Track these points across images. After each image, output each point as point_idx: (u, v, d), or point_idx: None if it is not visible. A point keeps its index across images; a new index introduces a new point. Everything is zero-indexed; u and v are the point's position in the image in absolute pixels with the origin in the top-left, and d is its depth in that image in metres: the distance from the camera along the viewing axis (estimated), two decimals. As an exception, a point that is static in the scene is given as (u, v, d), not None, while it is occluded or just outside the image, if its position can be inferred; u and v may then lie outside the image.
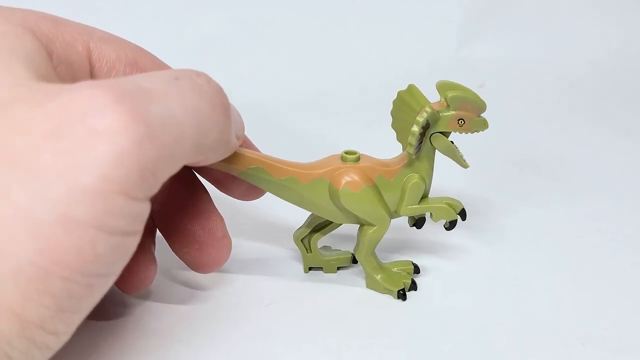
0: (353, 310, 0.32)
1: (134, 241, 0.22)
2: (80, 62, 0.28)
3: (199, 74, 0.25)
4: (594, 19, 0.68)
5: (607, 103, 0.60)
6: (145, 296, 0.32)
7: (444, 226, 0.33)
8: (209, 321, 0.31)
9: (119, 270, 0.22)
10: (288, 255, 0.36)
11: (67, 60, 0.27)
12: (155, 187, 0.22)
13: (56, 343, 0.22)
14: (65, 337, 0.22)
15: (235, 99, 0.53)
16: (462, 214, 0.33)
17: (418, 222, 0.33)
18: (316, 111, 0.56)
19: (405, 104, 0.31)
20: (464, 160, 0.32)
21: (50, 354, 0.22)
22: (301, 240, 0.34)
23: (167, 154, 0.22)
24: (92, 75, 0.28)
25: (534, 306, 0.32)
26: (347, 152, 0.32)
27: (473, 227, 0.39)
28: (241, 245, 0.37)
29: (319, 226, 0.34)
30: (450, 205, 0.33)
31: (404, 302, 0.32)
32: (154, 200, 0.31)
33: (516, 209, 0.41)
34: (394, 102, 0.32)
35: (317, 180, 0.31)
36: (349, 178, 0.31)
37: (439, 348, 0.30)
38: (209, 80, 0.25)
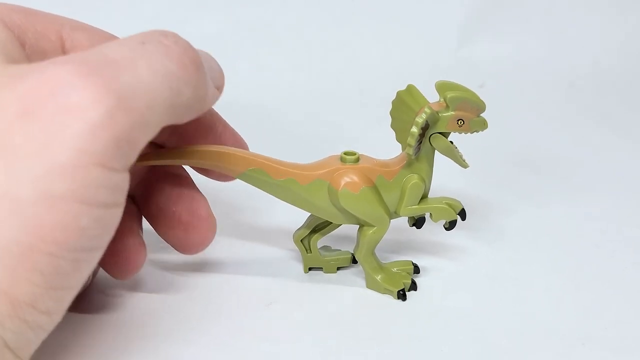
0: (353, 310, 0.32)
1: (117, 213, 0.22)
2: (53, 51, 0.27)
3: (166, 34, 0.25)
4: (594, 18, 0.68)
5: (607, 103, 0.60)
6: (145, 296, 0.32)
7: (444, 226, 0.33)
8: (209, 321, 0.31)
9: (104, 243, 0.23)
10: (288, 255, 0.36)
11: (40, 49, 0.27)
12: (132, 156, 0.23)
13: (48, 323, 0.22)
14: (57, 317, 0.22)
15: (235, 99, 0.54)
16: (462, 214, 0.33)
17: (418, 222, 0.33)
18: (316, 111, 0.56)
19: (404, 104, 0.31)
20: (464, 160, 0.32)
21: (44, 335, 0.22)
22: (301, 241, 0.34)
23: (141, 121, 0.22)
24: None
25: (534, 306, 0.32)
26: (346, 153, 0.32)
27: (473, 227, 0.39)
28: (241, 246, 0.37)
29: (318, 227, 0.34)
30: (449, 205, 0.33)
31: (404, 302, 0.32)
32: (138, 185, 0.31)
33: (516, 209, 0.41)
34: (393, 103, 0.32)
35: (316, 181, 0.31)
36: (348, 179, 0.31)
37: (439, 348, 0.30)
38: (176, 39, 0.25)
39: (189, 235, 0.31)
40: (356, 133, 0.52)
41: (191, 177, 0.32)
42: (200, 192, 0.32)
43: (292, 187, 0.31)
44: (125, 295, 0.32)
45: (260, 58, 0.63)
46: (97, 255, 0.23)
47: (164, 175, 0.32)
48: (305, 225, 0.34)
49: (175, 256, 0.36)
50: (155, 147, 0.32)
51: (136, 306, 0.32)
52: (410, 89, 0.31)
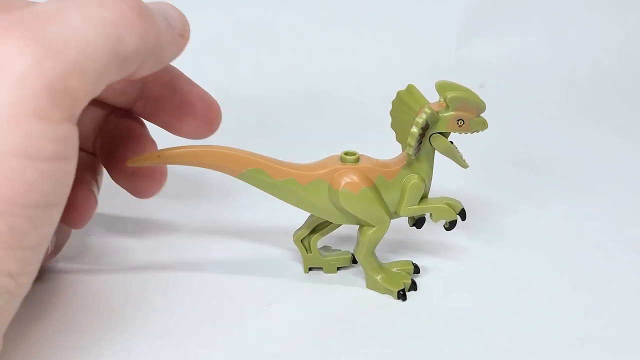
0: (353, 310, 0.32)
1: (67, 167, 0.22)
2: None
3: None
4: (595, 18, 0.68)
5: (607, 103, 0.60)
6: (145, 296, 0.32)
7: (444, 226, 0.33)
8: (209, 321, 0.31)
9: (61, 199, 0.22)
10: (288, 255, 0.36)
11: None
12: (75, 107, 0.22)
13: (15, 287, 0.22)
14: (24, 280, 0.22)
15: (235, 99, 0.54)
16: (462, 214, 0.33)
17: (418, 222, 0.33)
18: (316, 111, 0.56)
19: (404, 104, 0.31)
20: (464, 161, 0.32)
21: (15, 301, 0.22)
22: (301, 241, 0.34)
23: (75, 67, 0.22)
24: None
25: (534, 306, 0.32)
26: (346, 153, 0.32)
27: (473, 227, 0.39)
28: (241, 245, 0.37)
29: (318, 227, 0.34)
30: (449, 205, 0.33)
31: (404, 302, 0.32)
32: (97, 137, 0.32)
33: (516, 209, 0.41)
34: (393, 103, 0.32)
35: (316, 181, 0.31)
36: (348, 179, 0.31)
37: (439, 348, 0.30)
38: None
39: (140, 181, 0.31)
40: (356, 133, 0.52)
41: (146, 126, 0.33)
42: (151, 138, 0.32)
43: (292, 187, 0.31)
44: (125, 294, 0.32)
45: (260, 58, 0.63)
46: (55, 212, 0.22)
47: (118, 124, 0.32)
48: (305, 225, 0.34)
49: (175, 256, 0.36)
50: (125, 114, 0.32)
51: (136, 306, 0.32)
52: (411, 89, 0.31)
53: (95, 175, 0.32)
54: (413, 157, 0.31)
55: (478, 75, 0.62)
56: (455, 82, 0.31)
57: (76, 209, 0.30)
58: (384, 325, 0.31)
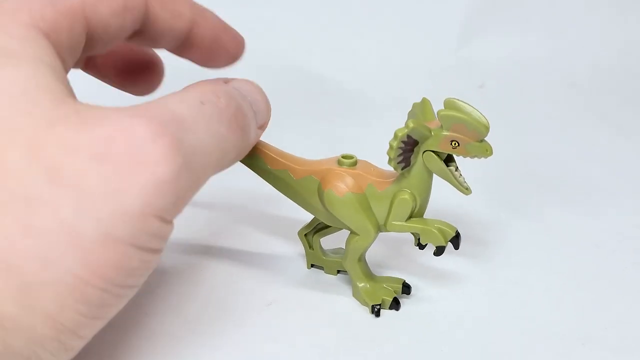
0: (353, 310, 0.32)
1: (159, 257, 0.24)
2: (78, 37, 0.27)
3: (219, 94, 0.26)
4: (595, 19, 0.68)
5: (607, 103, 0.60)
6: (144, 296, 0.32)
7: (433, 252, 0.31)
8: (209, 321, 0.31)
9: (142, 282, 0.24)
10: (288, 255, 0.36)
11: (71, 47, 0.27)
12: (181, 210, 0.24)
13: (80, 346, 0.23)
14: (87, 341, 0.24)
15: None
16: (455, 242, 0.31)
17: (420, 243, 0.32)
18: (316, 111, 0.56)
19: (415, 117, 0.30)
20: (464, 187, 0.30)
21: (72, 355, 0.23)
22: (305, 236, 0.34)
23: (198, 181, 0.24)
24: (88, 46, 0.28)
25: (533, 307, 0.33)
26: (344, 156, 0.31)
27: (473, 227, 0.39)
28: (242, 246, 0.37)
29: (319, 226, 0.34)
30: (441, 230, 0.31)
31: (404, 303, 0.32)
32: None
33: (516, 209, 0.42)
34: (409, 113, 0.31)
35: (308, 177, 0.31)
36: (336, 182, 0.31)
37: (439, 348, 0.30)
38: (228, 101, 0.26)
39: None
40: (356, 133, 0.52)
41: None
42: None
43: (286, 178, 0.31)
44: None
45: (261, 58, 0.63)
46: (135, 292, 0.24)
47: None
48: (309, 222, 0.34)
49: (174, 256, 0.36)
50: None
51: (135, 306, 0.32)
52: (424, 102, 0.30)
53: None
54: (399, 171, 0.30)
55: (478, 75, 0.63)
56: (465, 103, 0.29)
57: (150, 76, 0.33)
58: (384, 326, 0.31)
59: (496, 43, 0.66)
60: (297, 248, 0.36)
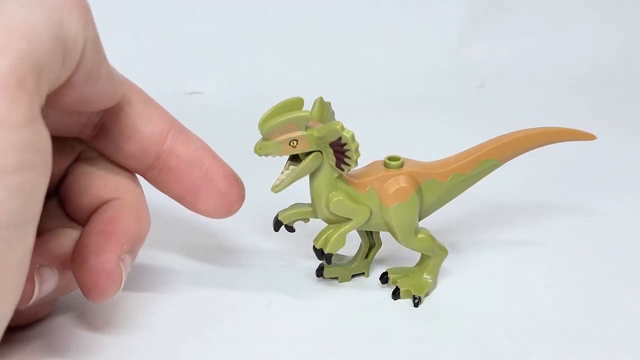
0: (353, 310, 0.32)
1: (36, 177, 0.20)
2: None
3: None
4: (594, 18, 0.68)
5: (607, 103, 0.60)
6: (144, 296, 0.32)
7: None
8: (208, 321, 0.31)
9: (33, 215, 0.20)
10: (289, 255, 0.36)
11: None
12: (33, 104, 0.20)
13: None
14: (4, 309, 0.20)
15: (235, 100, 0.53)
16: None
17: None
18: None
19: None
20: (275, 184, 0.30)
21: None
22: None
23: (25, 59, 0.20)
24: None
25: (534, 306, 0.32)
26: (390, 158, 0.32)
27: (473, 227, 0.39)
28: (241, 246, 0.37)
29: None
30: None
31: (404, 302, 0.32)
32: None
33: (516, 208, 0.41)
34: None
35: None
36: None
37: (439, 348, 0.30)
38: None
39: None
40: (356, 134, 0.52)
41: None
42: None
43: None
44: (124, 295, 0.32)
45: (260, 59, 0.63)
46: (30, 230, 0.20)
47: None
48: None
49: (174, 256, 0.36)
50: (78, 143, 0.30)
51: (135, 306, 0.32)
52: (323, 103, 0.31)
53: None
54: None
55: (478, 75, 0.63)
56: (266, 111, 0.29)
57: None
58: (384, 325, 0.31)
59: (496, 43, 0.66)
60: (297, 248, 0.36)
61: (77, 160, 0.30)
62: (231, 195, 0.30)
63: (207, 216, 0.31)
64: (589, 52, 0.66)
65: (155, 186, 0.30)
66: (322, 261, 0.32)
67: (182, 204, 0.31)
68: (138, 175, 0.31)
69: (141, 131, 0.29)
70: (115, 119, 0.28)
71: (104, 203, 0.29)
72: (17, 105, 0.19)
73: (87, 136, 0.29)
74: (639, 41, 0.68)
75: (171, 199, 0.31)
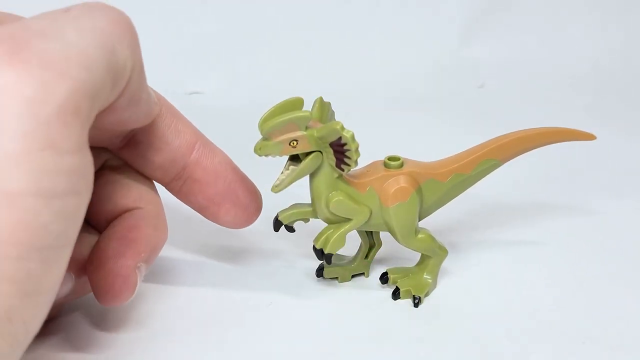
0: (353, 310, 0.32)
1: (79, 202, 0.20)
2: None
3: (91, 3, 0.23)
4: (595, 18, 0.68)
5: (607, 103, 0.60)
6: (144, 296, 0.32)
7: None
8: (208, 321, 0.31)
9: (72, 238, 0.21)
10: (289, 255, 0.36)
11: None
12: (84, 130, 0.20)
13: (25, 334, 0.20)
14: (33, 327, 0.20)
15: (235, 100, 0.53)
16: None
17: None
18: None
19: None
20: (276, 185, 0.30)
21: (20, 349, 0.20)
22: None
23: (82, 85, 0.20)
24: None
25: (534, 306, 0.32)
26: (390, 158, 0.32)
27: (473, 227, 0.39)
28: (241, 246, 0.37)
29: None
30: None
31: (404, 303, 0.32)
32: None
33: (516, 208, 0.41)
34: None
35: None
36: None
37: (439, 348, 0.30)
38: (102, 4, 0.23)
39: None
40: (356, 134, 0.52)
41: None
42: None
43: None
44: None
45: (260, 58, 0.63)
46: (66, 252, 0.21)
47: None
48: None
49: (174, 256, 0.36)
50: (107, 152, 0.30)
51: (135, 306, 0.32)
52: (323, 104, 0.31)
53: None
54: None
55: (478, 75, 0.63)
56: (266, 111, 0.29)
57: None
58: (384, 325, 0.31)
59: (496, 43, 0.66)
60: (297, 248, 0.36)
61: (102, 168, 0.31)
62: (251, 207, 0.31)
63: (225, 226, 0.32)
64: (589, 52, 0.66)
65: (177, 196, 0.31)
66: (322, 261, 0.32)
67: (202, 214, 0.32)
68: (157, 184, 0.31)
69: (170, 143, 0.30)
70: (145, 132, 0.29)
71: (126, 211, 0.29)
72: (70, 132, 0.20)
73: (115, 146, 0.30)
74: (639, 41, 0.68)
75: (191, 208, 0.31)
